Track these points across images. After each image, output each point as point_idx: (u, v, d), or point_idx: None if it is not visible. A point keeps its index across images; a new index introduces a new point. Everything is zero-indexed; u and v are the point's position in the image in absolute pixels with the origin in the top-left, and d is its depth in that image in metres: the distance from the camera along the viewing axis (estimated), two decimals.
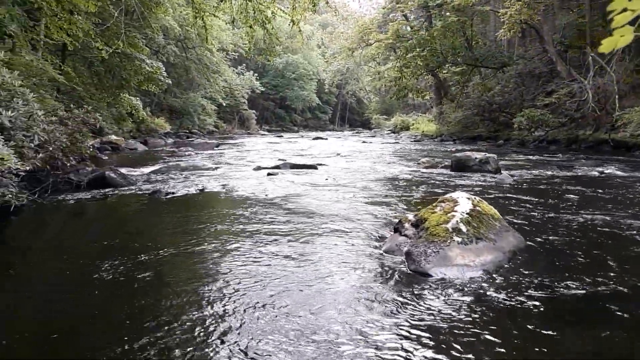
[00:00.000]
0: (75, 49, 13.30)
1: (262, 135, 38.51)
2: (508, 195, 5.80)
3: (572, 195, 5.71)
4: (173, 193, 5.94)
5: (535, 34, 21.21)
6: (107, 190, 6.31)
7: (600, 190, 6.11)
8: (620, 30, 1.00)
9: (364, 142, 23.41)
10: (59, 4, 10.72)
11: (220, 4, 9.71)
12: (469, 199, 3.49)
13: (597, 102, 15.10)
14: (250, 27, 9.84)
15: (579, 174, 8.03)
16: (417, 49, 23.61)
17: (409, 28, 28.29)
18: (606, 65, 15.30)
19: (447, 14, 21.79)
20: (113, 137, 15.68)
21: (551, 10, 20.98)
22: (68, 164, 7.05)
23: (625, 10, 0.99)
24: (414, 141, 24.11)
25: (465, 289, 2.54)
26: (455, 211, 3.29)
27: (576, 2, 20.84)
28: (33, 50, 12.70)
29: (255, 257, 3.16)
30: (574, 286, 2.58)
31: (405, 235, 3.39)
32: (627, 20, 0.99)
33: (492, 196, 5.68)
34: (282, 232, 3.87)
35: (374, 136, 34.43)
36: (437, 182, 7.07)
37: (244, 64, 45.40)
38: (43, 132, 6.10)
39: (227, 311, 2.26)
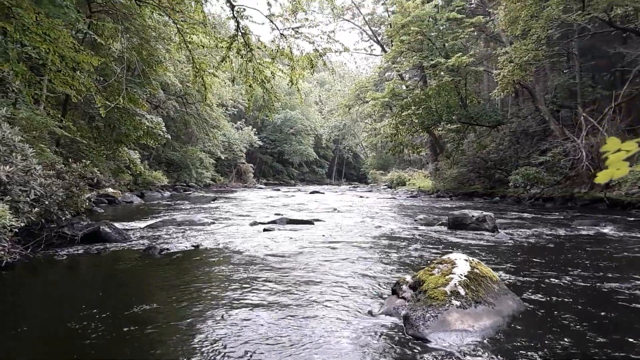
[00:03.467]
0: (76, 103, 13.55)
1: (260, 188, 38.64)
2: (505, 255, 5.75)
3: (570, 256, 5.67)
4: (167, 249, 5.88)
5: (528, 94, 21.81)
6: (101, 245, 6.24)
7: (598, 251, 6.08)
8: (615, 164, 1.05)
9: (360, 196, 23.48)
10: (63, 60, 11.03)
11: (220, 63, 10.01)
12: (467, 260, 3.46)
13: (591, 160, 15.31)
14: (250, 86, 10.11)
15: (576, 233, 8.01)
16: (413, 107, 24.17)
17: (404, 87, 29.08)
18: (598, 125, 15.62)
19: (442, 73, 22.45)
20: (110, 189, 15.71)
21: (543, 71, 21.71)
22: (63, 218, 7.01)
23: (619, 150, 1.05)
24: (411, 197, 24.19)
25: (465, 356, 2.47)
26: (454, 273, 3.25)
27: (566, 64, 21.60)
28: (35, 103, 12.94)
29: (246, 320, 3.08)
30: (575, 354, 2.51)
31: (403, 298, 3.32)
32: (620, 158, 1.05)
33: (489, 256, 5.63)
34: (277, 291, 3.80)
35: (370, 191, 34.58)
36: (435, 241, 7.03)
37: (243, 119, 46.27)
38: (40, 186, 6.10)
39: None
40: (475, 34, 24.81)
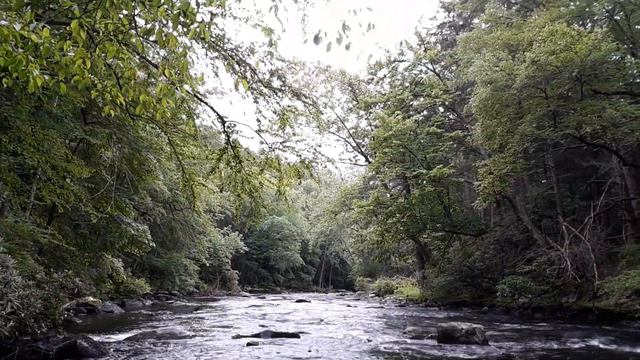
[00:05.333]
0: (64, 211, 13.58)
1: (244, 296, 37.50)
2: None
3: None
4: None
5: (509, 203, 22.37)
6: None
7: None
8: None
9: (348, 305, 22.93)
10: (54, 169, 11.24)
11: (210, 174, 10.33)
12: None
13: (576, 269, 15.34)
14: (238, 195, 10.35)
15: (566, 346, 7.86)
16: (397, 215, 24.50)
17: (388, 195, 29.75)
18: (580, 234, 15.89)
19: (424, 183, 23.13)
20: (90, 298, 15.15)
21: (522, 182, 22.50)
22: (39, 331, 6.73)
23: None
24: (399, 306, 23.68)
25: None
26: None
27: (544, 176, 22.52)
28: (22, 210, 12.94)
29: None
30: None
31: None
32: None
33: None
34: None
35: (358, 299, 33.83)
36: (424, 357, 6.84)
37: (230, 225, 46.25)
38: (17, 298, 5.96)
39: None
40: (455, 146, 26.07)
